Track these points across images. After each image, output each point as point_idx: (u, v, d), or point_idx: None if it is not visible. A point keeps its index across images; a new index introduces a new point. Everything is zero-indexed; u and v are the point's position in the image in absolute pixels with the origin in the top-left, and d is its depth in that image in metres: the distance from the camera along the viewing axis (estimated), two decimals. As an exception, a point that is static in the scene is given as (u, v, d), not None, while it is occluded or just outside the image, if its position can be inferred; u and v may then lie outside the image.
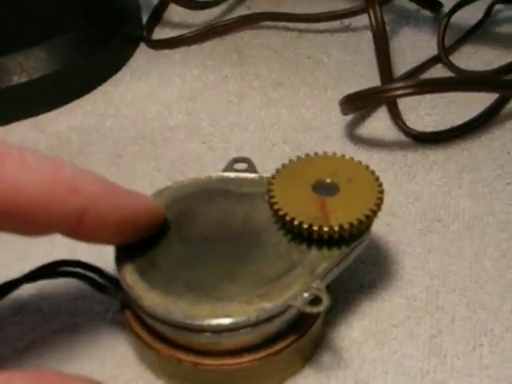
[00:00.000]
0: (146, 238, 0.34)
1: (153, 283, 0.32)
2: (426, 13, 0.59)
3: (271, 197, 0.34)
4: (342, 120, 0.49)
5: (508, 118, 0.49)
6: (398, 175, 0.45)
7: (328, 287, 0.32)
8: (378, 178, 0.35)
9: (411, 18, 0.59)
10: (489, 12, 0.57)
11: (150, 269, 0.33)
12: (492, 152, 0.46)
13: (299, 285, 0.32)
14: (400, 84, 0.45)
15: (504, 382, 0.34)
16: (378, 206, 0.34)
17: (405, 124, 0.48)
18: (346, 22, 0.58)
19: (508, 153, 0.46)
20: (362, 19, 0.56)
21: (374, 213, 0.33)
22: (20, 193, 0.25)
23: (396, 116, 0.48)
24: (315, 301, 0.31)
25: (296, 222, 0.33)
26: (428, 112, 0.49)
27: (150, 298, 0.31)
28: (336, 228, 0.32)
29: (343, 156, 0.37)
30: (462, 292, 0.38)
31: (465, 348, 0.35)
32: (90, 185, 0.29)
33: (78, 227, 0.28)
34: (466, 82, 0.48)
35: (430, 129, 0.48)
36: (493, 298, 0.38)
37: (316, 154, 0.37)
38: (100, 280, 0.36)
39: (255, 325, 0.31)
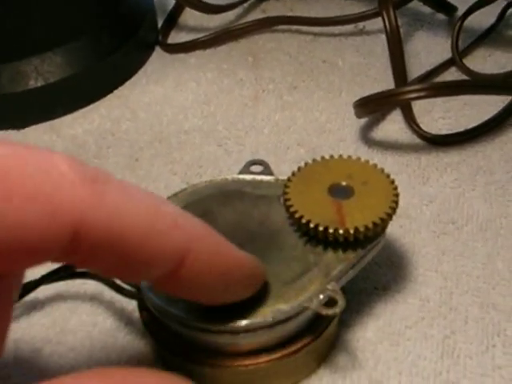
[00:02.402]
0: None
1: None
2: (441, 16, 0.59)
3: (287, 199, 0.34)
4: (356, 123, 0.49)
5: (522, 120, 0.49)
6: (412, 177, 0.45)
7: (342, 288, 0.32)
8: (393, 181, 0.35)
9: (425, 21, 0.59)
10: (502, 15, 0.57)
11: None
12: (506, 154, 0.46)
13: (314, 287, 0.32)
14: (414, 87, 0.45)
15: (517, 382, 0.34)
16: (394, 209, 0.34)
17: (419, 127, 0.48)
18: (361, 25, 0.58)
19: (522, 155, 0.46)
20: (377, 22, 0.56)
21: (390, 216, 0.34)
22: (121, 219, 0.22)
23: (410, 119, 0.49)
24: (330, 302, 0.31)
25: (312, 225, 0.33)
26: (442, 115, 0.50)
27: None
28: (351, 231, 0.32)
29: (358, 159, 0.37)
30: (475, 293, 0.38)
31: (478, 348, 0.36)
32: (191, 224, 0.26)
33: (179, 270, 0.25)
34: (479, 85, 0.48)
35: (443, 131, 0.48)
36: (506, 299, 0.38)
37: (331, 156, 0.37)
38: (118, 281, 0.36)
39: (271, 326, 0.31)
